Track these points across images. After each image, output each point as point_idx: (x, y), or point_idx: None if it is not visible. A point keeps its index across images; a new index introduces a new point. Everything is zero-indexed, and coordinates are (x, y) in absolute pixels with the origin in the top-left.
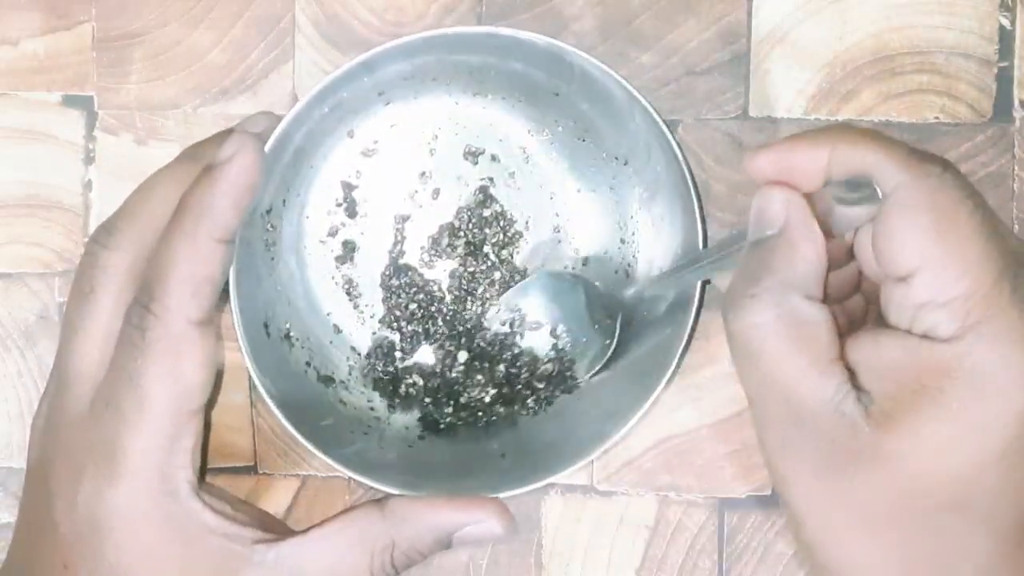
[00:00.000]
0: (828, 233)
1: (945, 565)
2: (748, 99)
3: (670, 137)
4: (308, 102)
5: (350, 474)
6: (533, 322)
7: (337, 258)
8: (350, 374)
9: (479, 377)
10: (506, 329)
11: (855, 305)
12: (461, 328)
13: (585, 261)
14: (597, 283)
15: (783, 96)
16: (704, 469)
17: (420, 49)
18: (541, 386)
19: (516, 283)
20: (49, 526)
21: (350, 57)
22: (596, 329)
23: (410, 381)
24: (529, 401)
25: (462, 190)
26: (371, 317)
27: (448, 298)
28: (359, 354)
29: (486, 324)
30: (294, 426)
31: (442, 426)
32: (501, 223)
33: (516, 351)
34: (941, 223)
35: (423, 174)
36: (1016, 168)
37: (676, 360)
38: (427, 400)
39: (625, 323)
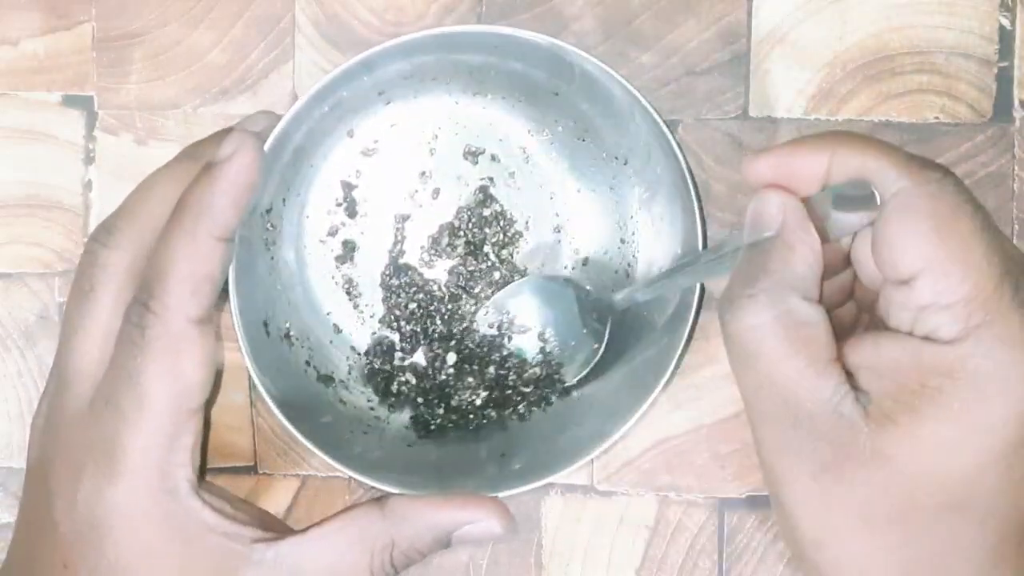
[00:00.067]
0: (824, 238)
1: (944, 566)
2: (748, 99)
3: (670, 137)
4: (307, 101)
5: (350, 473)
6: (521, 326)
7: (337, 258)
8: (349, 373)
9: (469, 379)
10: (494, 332)
11: (847, 313)
12: (455, 329)
13: (585, 261)
14: (588, 286)
15: (783, 96)
16: (704, 469)
17: (420, 48)
18: (528, 390)
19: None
20: (49, 525)
21: (350, 57)
22: (585, 333)
23: (403, 379)
24: (520, 407)
25: (462, 190)
26: (371, 317)
27: (445, 296)
28: (359, 354)
29: (475, 326)
30: (294, 425)
31: (432, 427)
32: (501, 223)
33: (504, 353)
34: (943, 227)
35: (423, 174)
36: (1016, 168)
37: (675, 360)
38: (419, 400)
39: (616, 327)
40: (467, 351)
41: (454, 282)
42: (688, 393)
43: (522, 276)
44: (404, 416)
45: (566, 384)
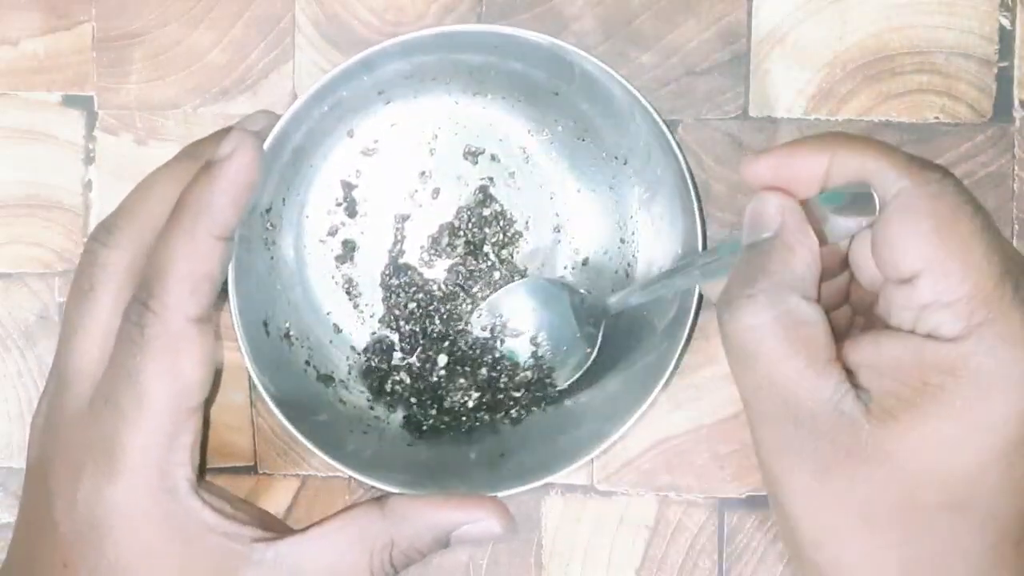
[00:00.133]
0: (822, 241)
1: (943, 565)
2: (748, 99)
3: (670, 137)
4: (307, 101)
5: (349, 472)
6: (513, 329)
7: (337, 257)
8: (349, 373)
9: (460, 381)
10: (487, 335)
11: (842, 316)
12: (451, 330)
13: (585, 261)
14: (583, 289)
15: (783, 96)
16: (704, 469)
17: (420, 48)
18: (519, 394)
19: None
20: (49, 525)
21: (350, 57)
22: (578, 337)
23: (397, 379)
24: (512, 411)
25: (462, 190)
26: (371, 316)
27: (445, 295)
28: (358, 353)
29: (468, 328)
30: (293, 424)
31: (425, 428)
32: (501, 223)
33: (496, 356)
34: (944, 226)
35: (423, 174)
36: (1016, 168)
37: (675, 361)
38: (412, 400)
39: (613, 331)
40: (459, 353)
41: (452, 280)
42: (688, 393)
43: (522, 276)
44: (400, 416)
45: (557, 388)
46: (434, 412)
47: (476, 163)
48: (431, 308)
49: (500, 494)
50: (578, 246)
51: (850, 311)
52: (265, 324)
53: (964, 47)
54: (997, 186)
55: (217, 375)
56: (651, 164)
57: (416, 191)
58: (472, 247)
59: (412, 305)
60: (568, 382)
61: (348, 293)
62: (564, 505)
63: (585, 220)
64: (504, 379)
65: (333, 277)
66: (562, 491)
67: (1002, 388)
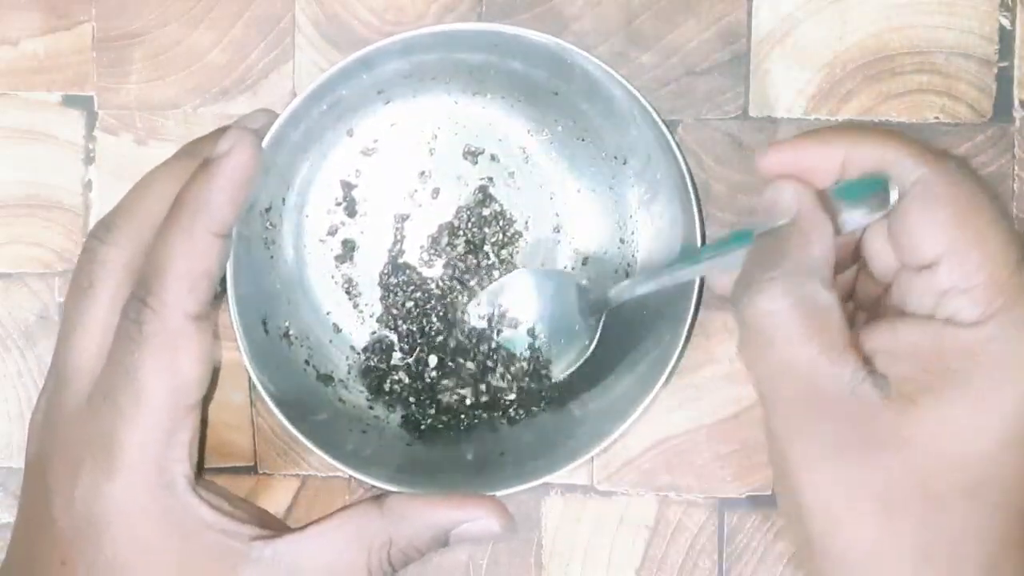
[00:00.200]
0: (835, 232)
1: (958, 550)
2: (748, 99)
3: (670, 138)
4: (305, 99)
5: (349, 471)
6: (512, 319)
7: (337, 257)
8: (349, 373)
9: (454, 371)
10: (483, 324)
11: (845, 311)
12: (447, 326)
13: (585, 261)
14: (584, 280)
15: (783, 96)
16: (704, 469)
17: (419, 47)
18: (514, 385)
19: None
20: (47, 522)
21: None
22: (578, 329)
23: (396, 378)
24: (510, 410)
25: (462, 190)
26: (370, 316)
27: (439, 292)
28: (358, 353)
29: (466, 317)
30: (292, 424)
31: (423, 427)
32: (501, 223)
33: (492, 346)
34: (964, 213)
35: (423, 173)
36: (1016, 168)
37: (675, 359)
38: (411, 400)
39: (614, 324)
40: (455, 343)
41: (449, 275)
42: (688, 393)
43: None
44: (399, 416)
45: (552, 379)
46: (432, 411)
47: (476, 163)
48: (428, 307)
49: (499, 493)
50: (578, 246)
51: (853, 307)
52: (264, 323)
53: (964, 47)
54: (997, 186)
55: (215, 373)
56: (651, 164)
57: (416, 191)
58: (472, 247)
59: (410, 304)
60: (565, 374)
61: (348, 293)
62: (564, 505)
63: (585, 220)
64: (500, 369)
65: (333, 277)
66: (562, 491)
67: (1020, 373)
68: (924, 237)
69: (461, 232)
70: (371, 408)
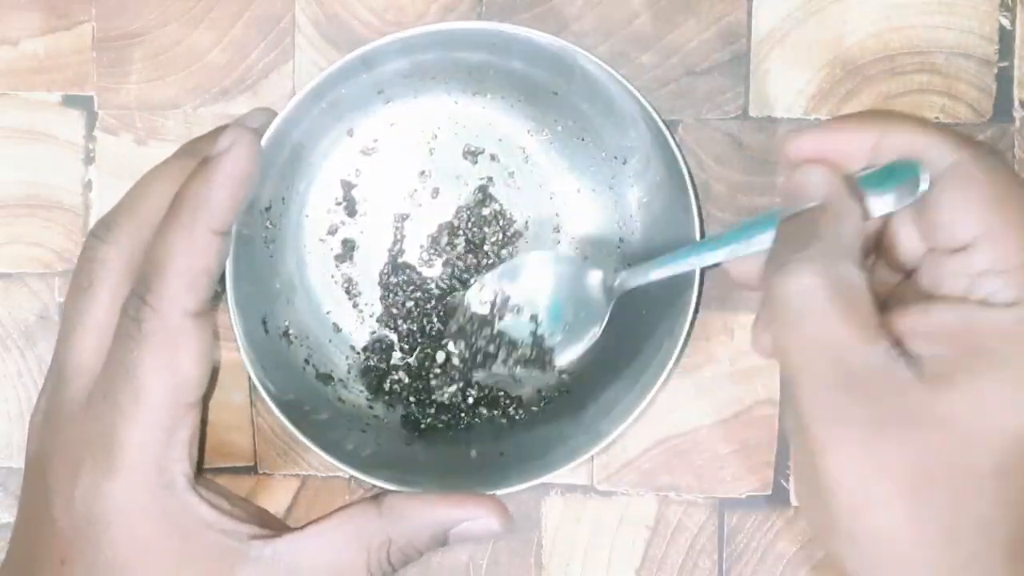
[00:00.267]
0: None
1: (987, 531)
2: (748, 99)
3: (669, 137)
4: (305, 97)
5: (348, 470)
6: (515, 305)
7: (337, 257)
8: (349, 373)
9: (455, 356)
10: (485, 311)
11: None
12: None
13: (584, 260)
14: (596, 267)
15: (783, 96)
16: (704, 469)
17: (419, 45)
18: (516, 370)
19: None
20: (47, 521)
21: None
22: (583, 316)
23: (395, 378)
24: (509, 408)
25: (461, 189)
26: (370, 316)
27: (439, 292)
28: (357, 352)
29: (466, 303)
30: (292, 422)
31: (423, 426)
32: (500, 222)
33: (494, 331)
34: (999, 196)
35: (422, 173)
36: (1016, 168)
37: (674, 359)
38: (410, 399)
39: (621, 315)
40: (456, 328)
41: (449, 274)
42: (688, 393)
43: None
44: (398, 414)
45: (556, 367)
46: (432, 411)
47: (476, 163)
48: (429, 307)
49: (499, 492)
50: (578, 246)
51: None
52: (264, 322)
53: (964, 47)
54: None
55: (214, 373)
56: (651, 164)
57: (416, 190)
58: (472, 246)
59: (410, 304)
60: (569, 362)
61: (348, 292)
62: (564, 505)
63: (585, 220)
64: (503, 355)
65: (333, 276)
66: (562, 491)
67: None
68: (960, 219)
69: (461, 232)
70: (371, 407)
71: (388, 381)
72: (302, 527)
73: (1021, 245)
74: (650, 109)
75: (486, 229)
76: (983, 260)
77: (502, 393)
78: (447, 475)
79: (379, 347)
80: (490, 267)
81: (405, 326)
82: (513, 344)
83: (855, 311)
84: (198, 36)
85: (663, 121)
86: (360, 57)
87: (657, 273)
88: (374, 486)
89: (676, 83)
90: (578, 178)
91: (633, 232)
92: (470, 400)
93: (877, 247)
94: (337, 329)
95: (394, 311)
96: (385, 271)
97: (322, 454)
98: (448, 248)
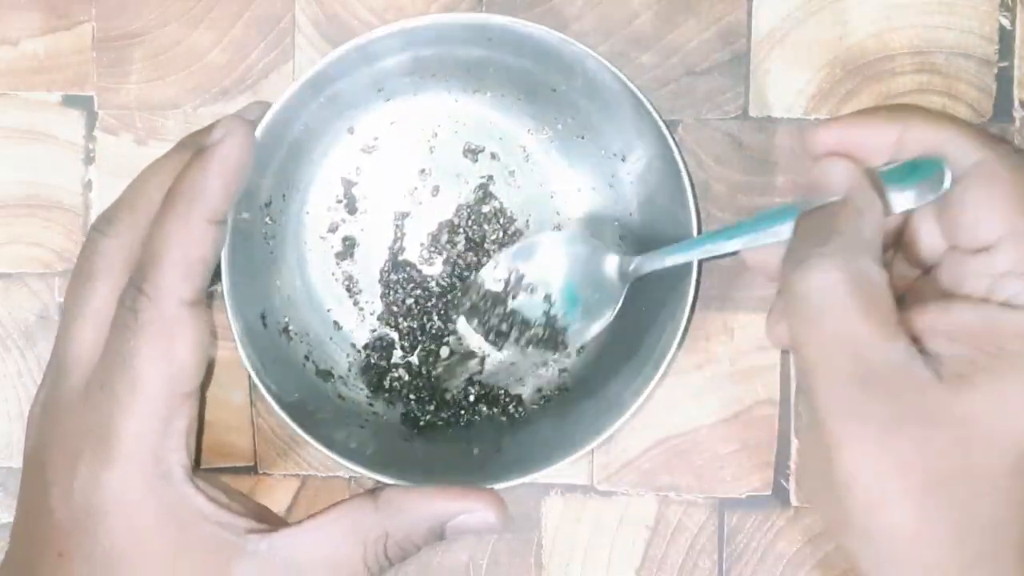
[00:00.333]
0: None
1: (1001, 530)
2: (748, 99)
3: (668, 135)
4: (302, 86)
5: (346, 464)
6: (529, 284)
7: (337, 254)
8: (349, 370)
9: (470, 334)
10: (499, 288)
11: None
12: (448, 324)
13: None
14: (612, 251)
15: (783, 96)
16: (704, 469)
17: (418, 40)
18: (527, 350)
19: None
20: (44, 514)
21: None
22: (597, 299)
23: (396, 375)
24: (509, 406)
25: (462, 188)
26: (371, 314)
27: (439, 290)
28: (358, 350)
29: (480, 280)
30: (289, 415)
31: (422, 423)
32: (501, 220)
33: (507, 310)
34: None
35: (423, 171)
36: None
37: (672, 352)
38: (411, 397)
39: (634, 300)
40: (469, 304)
41: (449, 272)
42: (688, 393)
43: None
44: (399, 412)
45: (568, 349)
46: (431, 408)
47: (476, 161)
48: (429, 305)
49: (498, 486)
50: None
51: None
52: (263, 317)
53: (964, 47)
54: None
55: (210, 366)
56: (649, 161)
57: (416, 188)
58: (472, 244)
59: (410, 301)
60: (581, 344)
61: (348, 290)
62: (564, 505)
63: (585, 218)
64: (515, 334)
65: (333, 274)
66: (562, 491)
67: None
68: (984, 219)
69: (461, 230)
70: (371, 405)
71: (388, 378)
72: (299, 522)
73: None
74: (649, 107)
75: (486, 227)
76: (1006, 261)
77: (502, 391)
78: (444, 472)
79: (380, 345)
80: None
81: (405, 324)
82: (526, 323)
83: (875, 307)
84: (198, 36)
85: (660, 116)
86: (356, 47)
87: (673, 259)
88: (377, 482)
89: (676, 83)
90: (578, 176)
91: (633, 230)
92: (471, 397)
93: (896, 242)
94: (338, 327)
95: (394, 309)
96: (385, 269)
97: (322, 449)
98: (448, 246)
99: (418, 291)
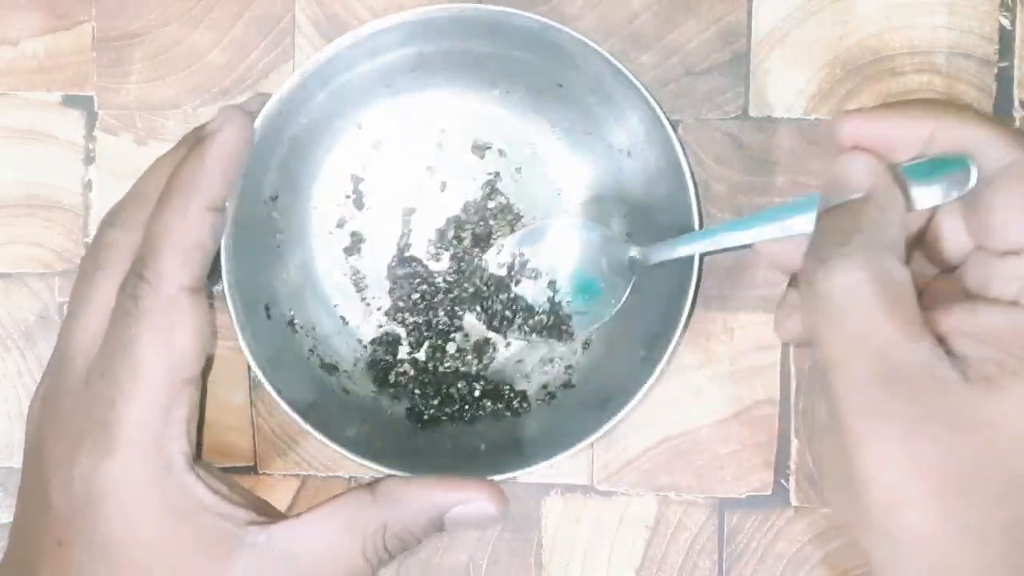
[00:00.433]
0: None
1: (1019, 535)
2: (748, 99)
3: (670, 130)
4: (301, 79)
5: (350, 456)
6: (533, 270)
7: (345, 249)
8: (355, 365)
9: (471, 316)
10: (503, 272)
11: None
12: (455, 321)
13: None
14: (621, 240)
15: (783, 96)
16: (704, 469)
17: (418, 32)
18: (531, 337)
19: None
20: (44, 504)
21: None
22: (603, 287)
23: (401, 370)
24: (513, 401)
25: (469, 184)
26: (378, 310)
27: (446, 286)
28: (365, 346)
29: (484, 264)
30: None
31: (426, 417)
32: (508, 217)
33: (511, 296)
34: None
35: (430, 168)
36: None
37: (672, 345)
38: (416, 391)
39: (636, 294)
40: (473, 290)
41: (455, 267)
42: (688, 393)
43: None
44: (403, 407)
45: (574, 336)
46: (435, 403)
47: (483, 157)
48: (435, 300)
49: (497, 477)
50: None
51: None
52: (267, 308)
53: (964, 47)
54: None
55: (209, 359)
56: (652, 156)
57: (423, 185)
58: (479, 240)
59: (416, 296)
60: (587, 331)
61: (356, 285)
62: (564, 505)
63: (591, 214)
64: (519, 321)
65: (341, 269)
66: (562, 491)
67: None
68: (1014, 222)
69: (468, 226)
70: (375, 399)
71: (394, 373)
72: (298, 514)
73: None
74: (652, 102)
75: (493, 223)
76: None
77: (507, 387)
78: (447, 466)
79: (386, 340)
80: None
81: (412, 319)
82: (530, 310)
83: (899, 307)
84: (198, 36)
85: (665, 115)
86: (355, 39)
87: (683, 249)
88: (375, 471)
89: (676, 83)
90: (585, 172)
91: (639, 226)
92: (476, 393)
93: (917, 240)
94: (344, 322)
95: (401, 304)
96: (392, 264)
97: (319, 436)
98: (455, 242)
99: (424, 286)
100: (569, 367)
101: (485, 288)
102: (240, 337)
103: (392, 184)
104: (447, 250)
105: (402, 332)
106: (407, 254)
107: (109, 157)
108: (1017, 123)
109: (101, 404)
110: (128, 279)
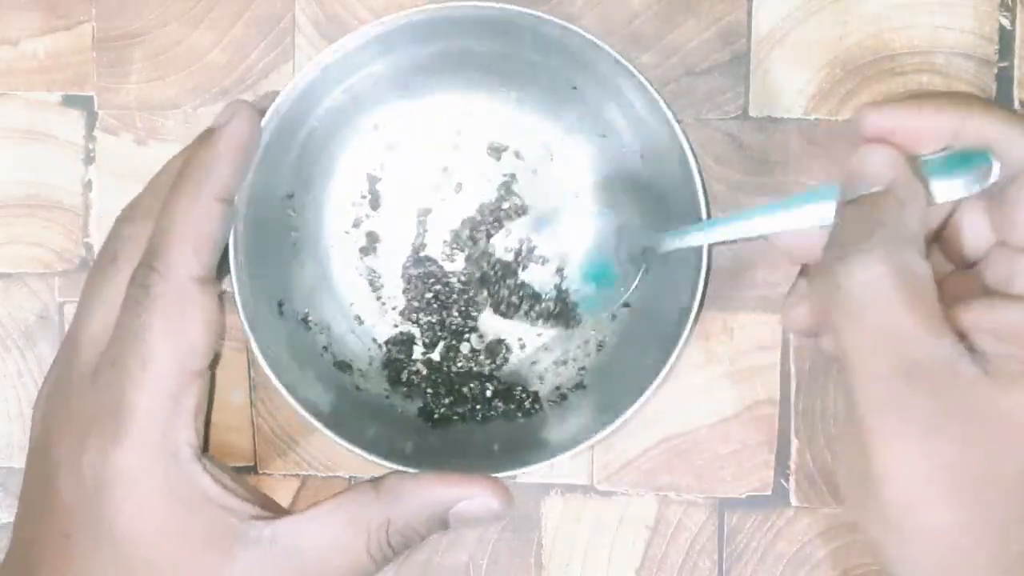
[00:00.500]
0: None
1: None
2: (748, 99)
3: (681, 134)
4: (311, 71)
5: (358, 452)
6: (540, 256)
7: (361, 249)
8: (370, 364)
9: (478, 298)
10: (509, 257)
11: None
12: (468, 322)
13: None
14: (631, 228)
15: (783, 96)
16: (704, 469)
17: (424, 29)
18: (539, 323)
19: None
20: (50, 496)
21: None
22: (612, 275)
23: (414, 369)
24: (525, 402)
25: (484, 186)
26: (393, 309)
27: (460, 286)
28: (379, 345)
29: (490, 249)
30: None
31: (437, 416)
32: (523, 218)
33: (518, 281)
34: None
35: (446, 169)
36: None
37: (681, 343)
38: (428, 391)
39: (630, 309)
40: (480, 274)
41: (470, 268)
42: (688, 393)
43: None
44: (416, 406)
45: (581, 323)
46: (447, 402)
47: (499, 159)
48: (450, 300)
49: (501, 475)
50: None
51: None
52: (280, 305)
53: (964, 47)
54: None
55: (217, 353)
56: (667, 162)
57: (439, 186)
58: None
59: (430, 295)
60: (594, 320)
61: (371, 284)
62: (564, 505)
63: (608, 215)
64: (525, 307)
65: (356, 268)
66: (562, 491)
67: None
68: None
69: (483, 227)
70: (387, 397)
71: (407, 372)
72: (302, 510)
73: None
74: (661, 103)
75: (508, 225)
76: None
77: (520, 388)
78: (455, 465)
79: (401, 339)
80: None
81: (426, 319)
82: (536, 297)
83: (920, 302)
84: (198, 36)
85: (673, 113)
86: (364, 33)
87: (694, 238)
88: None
89: (676, 83)
90: (600, 175)
91: (652, 228)
92: (488, 393)
93: (935, 236)
94: (360, 321)
95: (415, 304)
96: (408, 264)
97: (323, 429)
98: (470, 243)
99: (439, 287)
100: (583, 369)
101: (492, 273)
102: (249, 333)
103: (408, 184)
104: (462, 251)
105: (417, 332)
106: (422, 254)
107: (109, 157)
108: None
109: (111, 392)
110: (139, 270)
